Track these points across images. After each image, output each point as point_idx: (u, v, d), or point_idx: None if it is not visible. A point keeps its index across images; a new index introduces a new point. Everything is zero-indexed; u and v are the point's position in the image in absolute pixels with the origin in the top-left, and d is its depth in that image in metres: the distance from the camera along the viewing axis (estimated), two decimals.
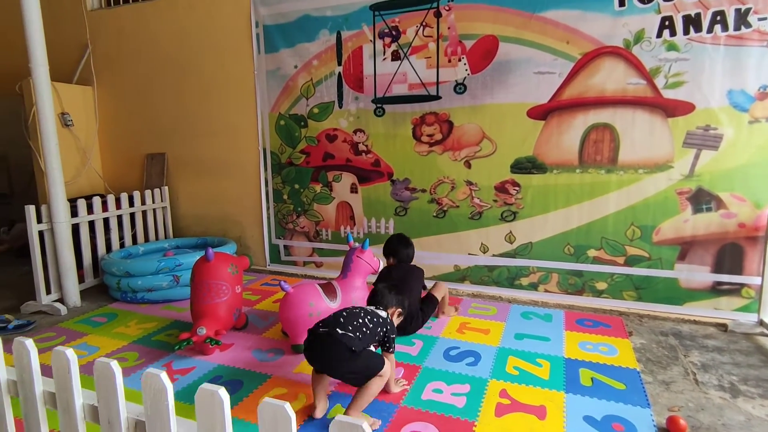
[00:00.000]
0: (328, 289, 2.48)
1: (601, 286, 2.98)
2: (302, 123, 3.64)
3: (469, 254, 3.29)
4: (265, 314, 2.98)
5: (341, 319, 1.85)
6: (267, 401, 0.72)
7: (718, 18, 2.53)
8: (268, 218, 3.93)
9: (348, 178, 3.57)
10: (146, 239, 3.98)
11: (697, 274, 2.77)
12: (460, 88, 3.13)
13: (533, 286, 3.15)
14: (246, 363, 2.33)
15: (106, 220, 3.59)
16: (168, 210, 4.22)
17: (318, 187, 3.68)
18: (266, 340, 2.59)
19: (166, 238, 4.18)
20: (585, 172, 2.91)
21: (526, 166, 3.04)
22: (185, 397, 2.02)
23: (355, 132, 3.48)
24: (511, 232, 3.15)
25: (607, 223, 2.91)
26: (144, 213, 3.96)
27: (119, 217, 3.71)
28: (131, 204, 3.82)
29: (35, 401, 0.89)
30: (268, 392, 2.06)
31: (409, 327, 2.53)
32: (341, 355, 1.75)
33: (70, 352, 0.85)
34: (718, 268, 2.73)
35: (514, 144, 3.05)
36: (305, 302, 2.36)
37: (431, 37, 3.15)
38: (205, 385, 0.72)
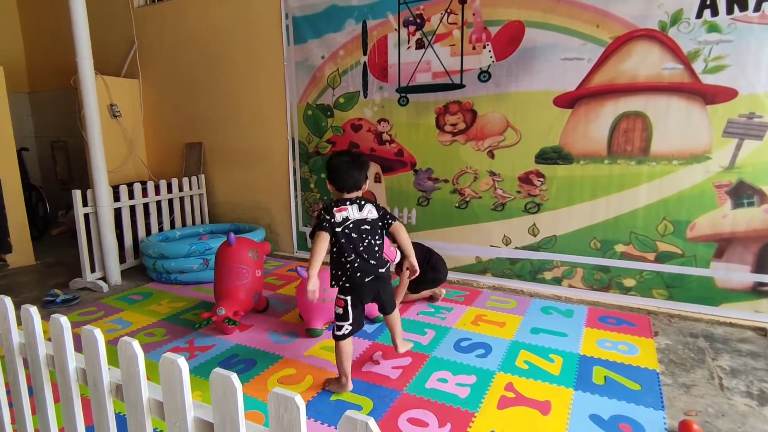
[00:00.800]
0: None
1: (629, 283, 2.85)
2: (328, 113, 3.70)
3: (491, 246, 3.23)
4: (287, 299, 3.07)
5: (372, 261, 1.93)
6: (217, 371, 0.75)
7: None
8: (296, 206, 4.03)
9: (372, 168, 3.59)
10: (183, 224, 4.20)
11: (735, 273, 2.58)
12: (484, 75, 3.06)
13: (557, 281, 3.06)
14: (262, 343, 2.43)
15: (146, 205, 3.82)
16: (204, 197, 4.43)
17: None
18: (284, 324, 2.68)
19: (202, 223, 4.39)
20: (614, 163, 2.77)
21: (552, 156, 2.94)
22: (203, 373, 2.14)
23: (379, 122, 3.49)
24: (534, 224, 3.07)
25: (636, 217, 2.76)
26: (182, 199, 4.18)
27: (158, 203, 3.93)
28: (170, 190, 4.04)
29: (68, 378, 1.00)
30: (278, 372, 2.14)
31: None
32: (388, 288, 2.06)
33: (98, 331, 0.93)
34: (759, 268, 2.53)
35: (540, 133, 2.95)
36: (320, 288, 2.39)
37: (456, 24, 3.10)
38: (219, 370, 0.76)
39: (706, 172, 2.56)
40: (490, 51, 3.01)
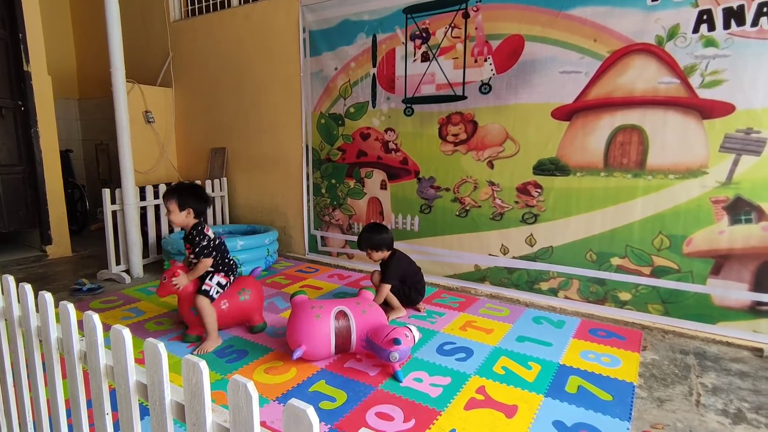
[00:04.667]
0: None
1: (625, 296, 2.83)
2: (340, 122, 3.87)
3: (489, 255, 3.28)
4: (289, 297, 3.23)
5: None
6: (148, 340, 0.89)
7: (765, 9, 2.29)
8: (308, 210, 4.21)
9: (378, 175, 3.73)
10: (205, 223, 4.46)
11: (733, 291, 2.53)
12: (485, 88, 3.14)
13: (553, 292, 3.07)
14: (257, 337, 2.59)
15: None
16: (226, 199, 4.69)
17: (352, 183, 3.89)
18: (282, 320, 2.83)
19: (222, 223, 4.66)
20: (610, 175, 2.78)
21: (549, 167, 2.97)
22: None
23: (386, 131, 3.63)
24: (531, 234, 3.10)
25: (632, 231, 2.75)
26: None
27: None
28: None
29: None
30: (266, 363, 2.28)
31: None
32: None
33: (96, 317, 1.03)
34: (757, 287, 2.46)
35: (538, 145, 2.99)
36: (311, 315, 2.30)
37: (459, 38, 3.19)
38: (190, 357, 0.83)
39: (702, 187, 2.53)
40: (491, 64, 3.09)
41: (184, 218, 2.46)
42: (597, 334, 2.63)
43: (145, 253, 3.90)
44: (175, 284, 2.40)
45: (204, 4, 4.79)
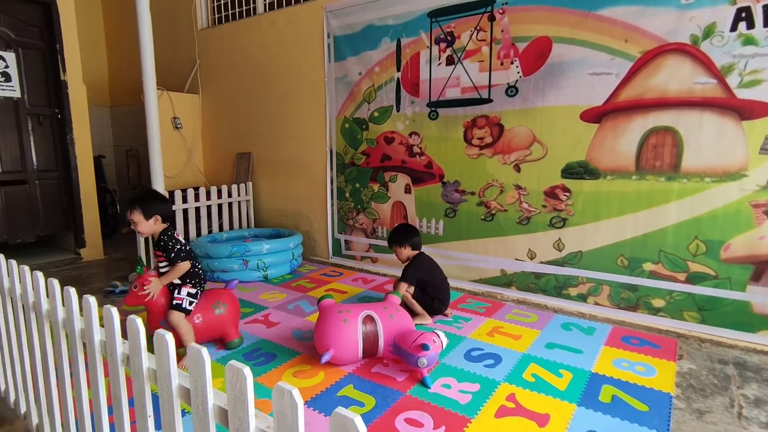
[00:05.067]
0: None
1: (658, 303, 2.75)
2: (364, 126, 3.88)
3: (516, 259, 3.24)
4: (315, 301, 3.25)
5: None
6: (192, 345, 0.91)
7: None
8: (332, 214, 4.24)
9: (403, 179, 3.72)
10: (231, 227, 4.54)
11: None
12: (511, 90, 3.10)
13: (582, 298, 3.00)
14: (284, 339, 2.61)
15: (198, 209, 4.19)
16: (251, 203, 4.76)
17: (376, 187, 3.89)
18: (307, 323, 2.85)
19: (248, 227, 4.73)
20: (642, 179, 2.71)
21: (578, 171, 2.92)
22: (227, 362, 2.35)
23: (410, 135, 3.62)
24: (560, 239, 3.04)
25: (666, 235, 2.67)
26: (230, 204, 4.53)
27: (209, 207, 4.30)
28: (220, 196, 4.40)
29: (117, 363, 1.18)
30: (294, 366, 2.30)
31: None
32: None
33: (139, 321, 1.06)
34: None
35: (566, 148, 2.94)
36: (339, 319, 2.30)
37: (485, 40, 3.17)
38: (233, 362, 0.84)
39: (741, 191, 2.44)
40: (517, 66, 3.06)
41: (153, 226, 2.30)
42: (630, 342, 2.56)
43: None
44: (147, 292, 2.20)
45: (230, 12, 4.89)
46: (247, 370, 0.81)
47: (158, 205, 2.33)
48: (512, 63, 3.08)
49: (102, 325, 1.20)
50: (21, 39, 3.96)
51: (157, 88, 4.70)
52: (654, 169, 2.67)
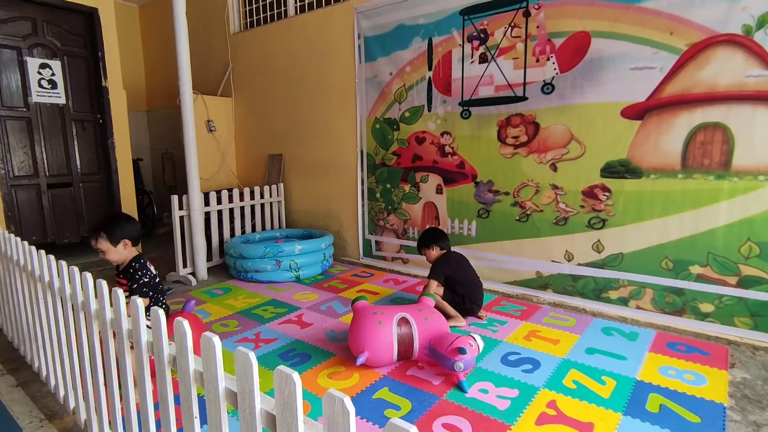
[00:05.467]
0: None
1: (707, 308, 2.61)
2: (395, 126, 3.86)
3: (552, 261, 3.15)
4: (347, 301, 3.26)
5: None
6: (240, 349, 0.91)
7: None
8: (363, 215, 4.24)
9: (434, 179, 3.68)
10: (263, 228, 4.61)
11: None
12: (547, 88, 3.02)
13: (623, 301, 2.89)
14: (318, 340, 2.62)
15: (231, 210, 4.28)
16: (283, 204, 4.82)
17: (407, 187, 3.87)
18: (341, 324, 2.86)
19: (279, 228, 4.79)
20: (689, 177, 2.58)
21: (619, 170, 2.81)
22: (264, 362, 2.37)
23: (442, 134, 3.58)
24: (599, 240, 2.94)
25: (715, 237, 2.54)
26: (262, 206, 4.59)
27: (242, 208, 4.38)
28: (252, 197, 4.47)
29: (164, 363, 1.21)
30: (329, 368, 2.30)
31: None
32: None
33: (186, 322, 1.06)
34: None
35: (606, 146, 2.84)
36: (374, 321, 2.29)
37: (519, 37, 3.10)
38: (282, 368, 0.83)
39: None
40: (554, 63, 2.97)
41: (123, 252, 2.09)
42: (676, 348, 2.44)
43: (209, 257, 4.08)
44: None
45: (262, 16, 4.96)
46: (296, 376, 0.80)
47: (125, 227, 2.09)
48: (548, 59, 2.99)
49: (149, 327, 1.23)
50: (66, 48, 4.13)
51: (192, 92, 4.83)
52: (702, 167, 2.54)
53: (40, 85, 4.00)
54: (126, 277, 2.10)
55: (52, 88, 4.06)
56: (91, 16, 4.21)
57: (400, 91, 3.78)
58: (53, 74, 4.06)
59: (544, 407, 1.93)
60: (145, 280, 2.10)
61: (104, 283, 1.40)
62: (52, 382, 2.01)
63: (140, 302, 1.24)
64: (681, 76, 2.55)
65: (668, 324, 2.70)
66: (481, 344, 2.18)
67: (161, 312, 1.15)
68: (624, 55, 2.71)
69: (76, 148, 4.27)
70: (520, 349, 2.46)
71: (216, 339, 0.98)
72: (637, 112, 2.71)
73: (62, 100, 4.13)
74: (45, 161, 4.09)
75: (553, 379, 2.16)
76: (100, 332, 1.52)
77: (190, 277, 3.75)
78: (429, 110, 3.63)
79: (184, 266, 3.84)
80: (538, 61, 3.04)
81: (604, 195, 2.88)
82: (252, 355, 0.89)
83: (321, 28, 4.30)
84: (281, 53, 4.70)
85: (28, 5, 3.91)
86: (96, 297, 1.48)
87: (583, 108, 2.89)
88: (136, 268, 2.09)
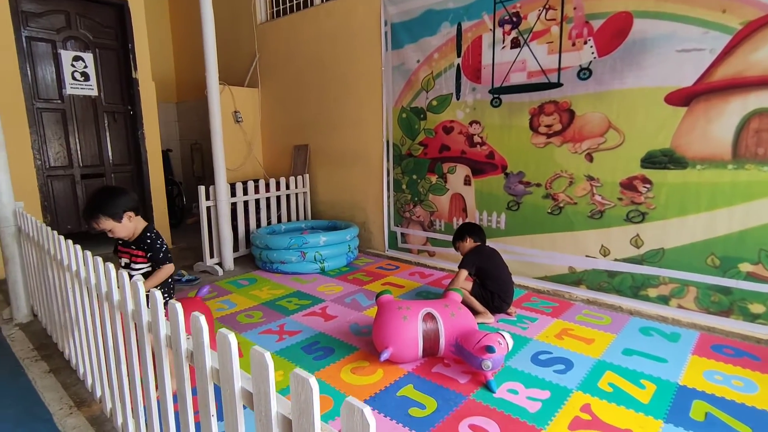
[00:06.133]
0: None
1: (757, 309, 2.43)
2: (422, 115, 3.76)
3: (586, 256, 3.00)
4: (372, 294, 3.21)
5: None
6: (255, 349, 0.86)
7: None
8: (388, 206, 4.17)
9: (462, 170, 3.57)
10: (289, 219, 4.61)
11: None
12: (584, 73, 2.85)
13: (663, 300, 2.73)
14: (342, 334, 2.58)
15: (257, 201, 4.28)
16: (308, 195, 4.80)
17: (434, 178, 3.77)
18: (365, 318, 2.81)
19: (305, 219, 4.77)
20: (740, 168, 2.39)
21: (661, 160, 2.63)
22: (287, 354, 2.35)
23: (470, 123, 3.46)
24: (638, 235, 2.77)
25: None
26: (288, 197, 4.59)
27: (267, 199, 4.38)
28: (278, 188, 4.46)
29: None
30: (352, 362, 2.26)
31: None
32: None
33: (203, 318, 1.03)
34: None
35: (647, 135, 2.66)
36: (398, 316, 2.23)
37: (554, 20, 2.93)
38: (298, 371, 0.78)
39: None
40: (591, 47, 2.80)
41: (129, 225, 1.98)
42: (722, 352, 2.28)
43: (236, 247, 4.10)
44: None
45: (288, 5, 4.92)
46: (313, 381, 0.74)
47: (120, 200, 1.96)
48: (585, 43, 2.82)
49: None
50: (98, 40, 4.20)
51: (219, 83, 4.84)
52: (756, 157, 2.34)
53: (74, 78, 4.08)
54: (143, 248, 2.00)
55: (84, 80, 4.14)
56: (121, 8, 4.26)
57: (428, 78, 3.66)
58: (86, 66, 4.14)
59: (577, 411, 1.83)
60: (165, 246, 2.02)
61: (125, 274, 1.38)
62: (81, 370, 2.04)
63: (159, 294, 1.21)
64: (734, 57, 2.35)
65: (713, 325, 2.52)
66: (511, 342, 2.08)
67: (179, 306, 1.11)
68: (669, 37, 2.51)
69: (108, 139, 4.35)
70: (551, 348, 2.35)
71: (231, 336, 0.93)
72: (682, 98, 2.52)
73: (94, 92, 4.21)
74: (79, 152, 4.19)
75: (588, 381, 2.04)
76: (122, 322, 1.51)
77: (217, 267, 3.78)
78: (457, 98, 3.50)
79: (211, 256, 3.88)
80: (574, 44, 2.87)
81: (645, 187, 2.71)
82: (268, 356, 0.84)
83: (347, 16, 4.22)
84: (307, 42, 4.65)
85: None
86: (118, 287, 1.47)
87: (623, 94, 2.71)
88: (153, 237, 2.00)
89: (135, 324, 1.40)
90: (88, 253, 1.68)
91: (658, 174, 2.65)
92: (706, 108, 2.45)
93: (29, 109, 3.78)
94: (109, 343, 1.62)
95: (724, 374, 2.07)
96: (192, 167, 6.48)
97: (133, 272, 2.00)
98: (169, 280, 2.09)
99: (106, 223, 1.94)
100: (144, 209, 4.58)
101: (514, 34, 3.13)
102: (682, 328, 2.57)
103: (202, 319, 1.03)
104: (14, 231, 2.69)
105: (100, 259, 1.59)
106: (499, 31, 3.20)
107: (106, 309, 1.58)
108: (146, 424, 1.46)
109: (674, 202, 2.62)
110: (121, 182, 4.48)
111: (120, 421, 1.65)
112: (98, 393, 1.86)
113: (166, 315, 1.17)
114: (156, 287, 2.02)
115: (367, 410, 0.66)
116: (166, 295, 2.10)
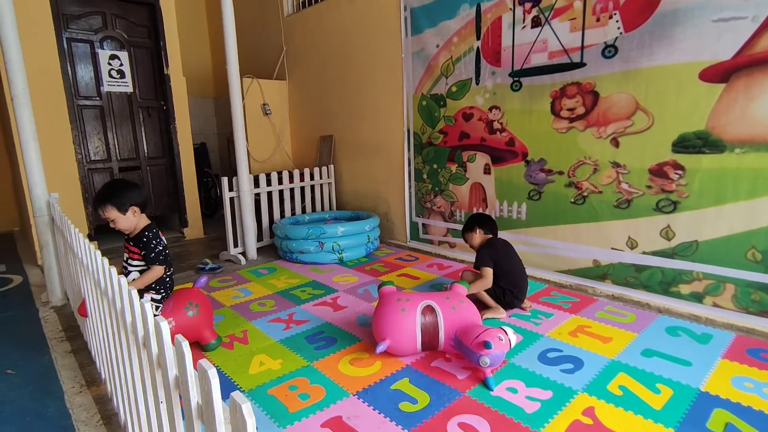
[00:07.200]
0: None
1: None
2: (441, 102, 3.64)
3: (612, 249, 2.80)
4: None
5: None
6: (235, 395, 0.78)
7: None
8: (410, 196, 4.09)
9: (482, 159, 3.43)
10: (313, 209, 4.64)
11: None
12: (609, 51, 2.63)
13: (696, 297, 2.49)
14: (348, 324, 2.56)
15: (281, 192, 4.34)
16: (333, 185, 4.81)
17: (454, 167, 3.65)
18: (374, 309, 2.77)
19: (330, 209, 4.80)
20: None
21: (695, 143, 2.38)
22: (289, 343, 2.36)
23: (490, 109, 3.30)
24: (669, 226, 2.54)
25: None
26: (313, 187, 4.62)
27: (291, 190, 4.43)
28: (302, 179, 4.50)
29: None
30: (352, 353, 2.23)
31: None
32: None
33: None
34: None
35: (679, 116, 2.42)
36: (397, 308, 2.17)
37: None
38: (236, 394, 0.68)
39: None
40: (617, 21, 2.58)
41: (132, 219, 2.06)
42: (758, 356, 2.05)
43: (259, 237, 4.19)
44: None
45: None
46: (212, 372, 0.71)
47: (130, 194, 2.05)
48: (611, 18, 2.60)
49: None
50: (132, 39, 4.40)
51: (247, 77, 4.95)
52: None
53: (110, 76, 4.30)
54: (139, 246, 2.08)
55: (120, 77, 4.36)
56: (153, 7, 4.43)
57: (447, 64, 3.54)
58: (121, 64, 4.35)
59: (578, 414, 1.71)
60: (160, 248, 2.09)
61: (124, 280, 1.38)
62: (93, 351, 2.16)
63: (148, 306, 1.15)
64: None
65: (752, 326, 2.27)
66: (514, 339, 1.97)
67: (165, 324, 0.98)
68: (705, 5, 2.26)
69: (143, 134, 4.57)
70: (562, 346, 2.21)
71: (212, 372, 0.78)
72: (720, 74, 2.26)
73: (129, 89, 4.42)
74: (116, 146, 4.42)
75: (596, 382, 1.90)
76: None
77: (240, 256, 3.88)
78: (477, 83, 3.36)
79: (235, 246, 3.98)
80: (598, 20, 2.65)
81: (676, 173, 2.47)
82: (247, 406, 0.67)
83: (368, 2, 4.15)
84: (331, 32, 4.63)
85: (99, 0, 4.19)
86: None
87: (652, 72, 2.48)
88: (149, 237, 2.07)
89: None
90: (92, 246, 1.74)
91: (692, 159, 2.40)
92: (747, 84, 2.19)
93: (70, 107, 4.02)
94: (109, 332, 1.68)
95: (757, 381, 1.86)
96: (228, 159, 6.70)
97: (130, 268, 2.11)
98: (166, 278, 2.16)
99: (111, 213, 2.06)
100: (177, 200, 4.79)
101: (534, 12, 2.94)
102: (716, 328, 2.33)
103: (185, 345, 0.90)
104: (48, 220, 2.88)
105: (106, 261, 1.63)
106: (519, 10, 3.02)
107: (105, 305, 1.64)
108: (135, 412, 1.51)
109: (710, 190, 2.37)
110: (156, 174, 4.70)
111: (117, 404, 1.72)
112: (103, 375, 1.95)
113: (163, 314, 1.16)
114: (152, 286, 2.13)
115: (247, 406, 0.62)
116: (162, 292, 2.18)
